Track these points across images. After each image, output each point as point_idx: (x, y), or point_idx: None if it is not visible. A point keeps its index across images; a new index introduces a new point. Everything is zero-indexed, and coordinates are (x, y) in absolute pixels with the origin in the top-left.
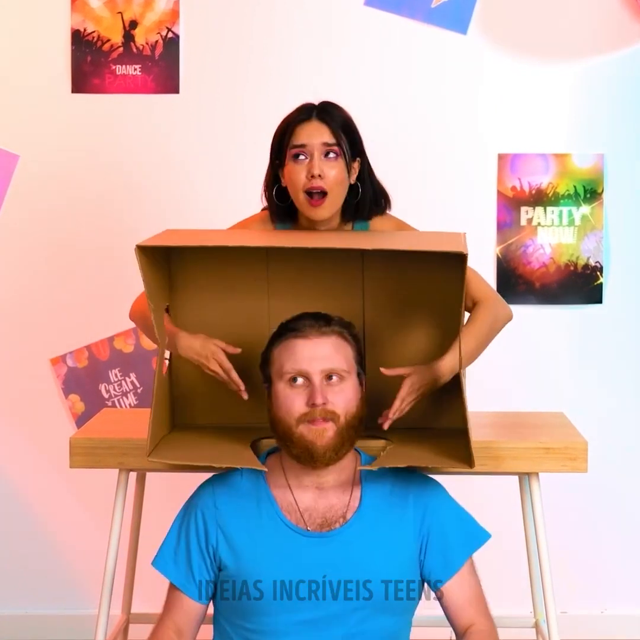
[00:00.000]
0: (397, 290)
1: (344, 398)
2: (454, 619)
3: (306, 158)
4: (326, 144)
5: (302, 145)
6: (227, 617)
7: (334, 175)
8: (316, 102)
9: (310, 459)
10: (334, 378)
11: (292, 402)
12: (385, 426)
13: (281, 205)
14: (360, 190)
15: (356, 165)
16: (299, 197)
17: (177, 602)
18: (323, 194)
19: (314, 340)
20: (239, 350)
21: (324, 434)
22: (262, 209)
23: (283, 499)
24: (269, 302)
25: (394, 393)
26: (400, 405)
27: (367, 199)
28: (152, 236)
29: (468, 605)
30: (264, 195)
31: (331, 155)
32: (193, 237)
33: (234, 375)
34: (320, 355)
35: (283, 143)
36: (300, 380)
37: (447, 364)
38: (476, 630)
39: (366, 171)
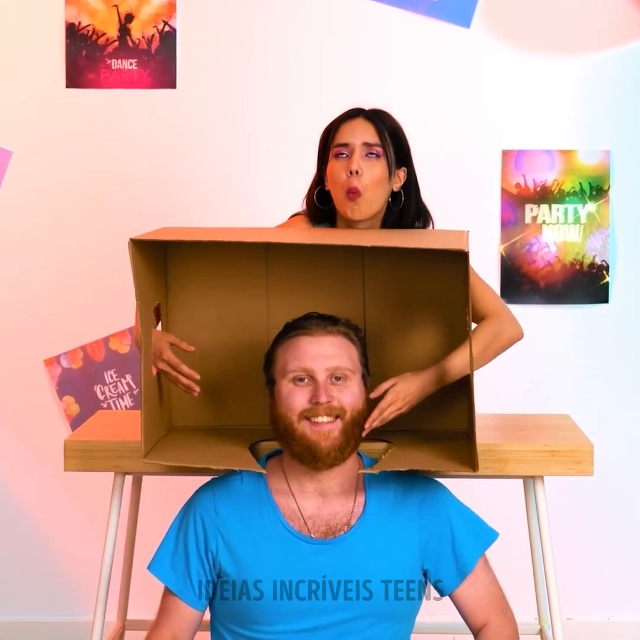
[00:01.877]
0: (398, 288)
1: (350, 394)
2: (468, 620)
3: (347, 156)
4: (368, 144)
5: (345, 145)
6: (224, 624)
7: (372, 175)
8: (367, 108)
9: (312, 459)
10: (340, 378)
11: (295, 397)
12: (363, 434)
13: (320, 208)
14: (403, 198)
15: (401, 174)
16: (338, 196)
17: (173, 607)
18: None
19: (319, 339)
20: (192, 348)
21: (329, 434)
22: (293, 215)
23: (285, 505)
24: (268, 301)
25: None
26: (380, 414)
27: (411, 209)
28: (147, 233)
29: (482, 605)
30: (305, 199)
31: (373, 154)
32: (189, 234)
33: (184, 368)
34: (325, 354)
35: (328, 142)
36: (305, 379)
37: (446, 367)
38: (487, 632)
39: (413, 185)
